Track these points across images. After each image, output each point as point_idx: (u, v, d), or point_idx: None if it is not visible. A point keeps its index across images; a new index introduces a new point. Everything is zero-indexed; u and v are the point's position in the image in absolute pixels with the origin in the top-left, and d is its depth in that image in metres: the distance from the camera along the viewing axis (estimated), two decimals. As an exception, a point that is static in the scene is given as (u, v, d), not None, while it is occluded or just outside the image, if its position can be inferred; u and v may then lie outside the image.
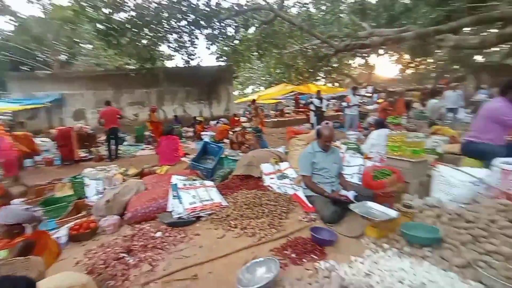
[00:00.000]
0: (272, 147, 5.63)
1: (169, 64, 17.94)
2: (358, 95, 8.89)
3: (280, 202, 3.03)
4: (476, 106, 8.27)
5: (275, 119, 14.99)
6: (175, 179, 3.35)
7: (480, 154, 2.75)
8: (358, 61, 24.60)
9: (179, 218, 2.77)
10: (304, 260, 2.02)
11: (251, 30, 12.00)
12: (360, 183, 3.20)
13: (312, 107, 8.34)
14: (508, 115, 2.62)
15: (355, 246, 2.21)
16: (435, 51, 14.70)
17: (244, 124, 10.08)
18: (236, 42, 11.46)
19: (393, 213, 2.19)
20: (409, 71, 23.94)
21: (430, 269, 1.73)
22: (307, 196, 3.00)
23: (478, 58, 16.31)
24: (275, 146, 6.18)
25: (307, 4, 13.84)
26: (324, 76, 21.51)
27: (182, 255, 2.23)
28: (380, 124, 4.12)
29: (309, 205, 2.94)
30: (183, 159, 5.00)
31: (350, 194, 2.64)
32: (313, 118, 8.59)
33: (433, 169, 2.84)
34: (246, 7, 10.40)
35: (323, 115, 8.42)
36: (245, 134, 6.66)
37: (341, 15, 14.03)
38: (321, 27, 12.81)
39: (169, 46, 11.34)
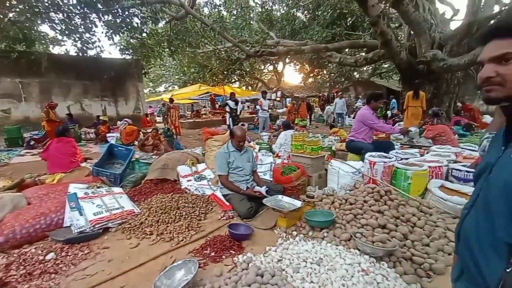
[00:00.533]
0: (189, 149, 5.48)
1: (57, 51, 14.62)
2: (268, 99, 9.72)
3: (198, 203, 3.02)
4: (355, 112, 10.46)
5: (191, 120, 14.57)
6: (73, 188, 2.85)
7: (357, 150, 3.55)
8: (269, 67, 26.83)
9: (81, 232, 2.37)
10: (223, 256, 2.09)
11: (161, 24, 11.24)
12: (271, 179, 3.54)
13: (227, 108, 8.56)
14: (370, 120, 3.47)
15: (269, 236, 2.44)
16: (328, 64, 17.70)
17: (157, 125, 9.36)
18: (144, 35, 10.48)
19: (298, 203, 2.54)
20: (310, 80, 27.81)
21: (326, 246, 2.09)
22: (224, 195, 3.09)
23: (355, 74, 20.65)
24: (192, 147, 6.04)
25: (219, 6, 14.11)
26: (238, 79, 22.41)
27: (86, 274, 1.93)
28: (287, 126, 4.67)
29: (227, 203, 3.04)
30: (83, 164, 4.21)
31: (263, 190, 2.89)
32: (228, 120, 8.85)
33: (328, 164, 3.46)
34: (153, -2, 9.64)
35: (238, 117, 8.78)
36: (157, 136, 6.19)
37: (252, 22, 15.01)
38: (234, 31, 13.29)
39: (53, 28, 9.20)
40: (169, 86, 30.16)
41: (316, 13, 14.13)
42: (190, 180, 3.70)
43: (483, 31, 0.82)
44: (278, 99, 18.53)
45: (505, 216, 0.79)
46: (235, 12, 15.19)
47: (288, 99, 17.94)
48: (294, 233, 2.43)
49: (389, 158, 2.94)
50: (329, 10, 12.17)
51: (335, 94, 14.40)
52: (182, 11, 9.56)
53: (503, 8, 7.66)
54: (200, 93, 16.24)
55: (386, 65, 16.33)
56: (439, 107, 7.41)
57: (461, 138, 5.97)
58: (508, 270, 0.71)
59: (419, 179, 2.62)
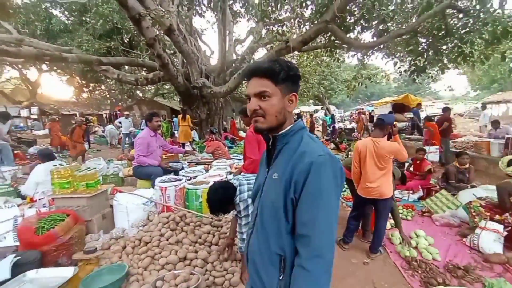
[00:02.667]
0: None
1: None
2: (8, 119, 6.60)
3: None
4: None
5: None
6: None
7: (147, 176, 3.21)
8: (12, 73, 19.08)
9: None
10: None
11: None
12: (16, 244, 2.24)
13: None
14: (146, 143, 3.26)
15: None
16: (106, 79, 15.70)
17: None
18: None
19: (67, 272, 1.74)
20: (85, 95, 23.21)
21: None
22: None
23: (138, 92, 20.21)
24: None
25: None
26: None
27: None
28: (47, 156, 3.25)
29: None
30: None
31: (2, 269, 1.71)
32: None
33: (114, 198, 2.79)
34: None
35: None
36: None
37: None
38: None
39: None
40: None
41: (83, 18, 12.04)
42: None
43: (245, 70, 0.91)
44: (34, 116, 13.54)
45: (274, 232, 0.88)
46: None
47: (53, 117, 13.63)
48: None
49: (180, 179, 2.92)
50: (99, 19, 10.80)
51: (119, 113, 13.06)
52: None
53: (239, 56, 10.86)
54: None
55: (167, 86, 17.42)
56: (213, 126, 9.01)
57: (230, 149, 7.59)
58: (280, 278, 0.85)
59: (208, 196, 2.82)
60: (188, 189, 2.77)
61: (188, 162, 4.73)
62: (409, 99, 12.16)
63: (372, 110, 15.76)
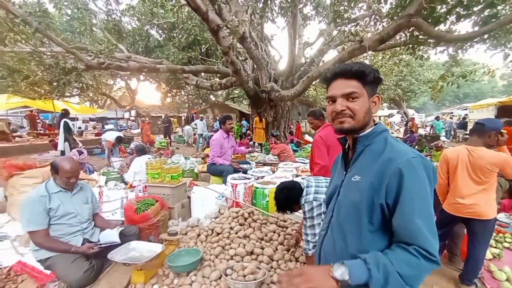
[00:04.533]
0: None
1: None
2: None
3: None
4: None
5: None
6: None
7: (219, 173, 3.53)
8: (120, 83, 23.67)
9: None
10: None
11: None
12: (123, 219, 2.80)
13: (61, 129, 6.46)
14: (217, 145, 3.53)
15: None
16: (185, 85, 17.89)
17: None
18: None
19: (157, 247, 2.07)
20: (168, 99, 26.99)
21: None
22: (40, 261, 2.07)
23: (211, 97, 22.23)
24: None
25: (41, -3, 10.99)
26: (78, 93, 18.13)
27: None
28: (141, 151, 3.98)
29: (47, 271, 2.06)
30: None
31: (113, 235, 2.19)
32: (62, 144, 6.68)
33: (191, 191, 3.18)
34: None
35: (75, 141, 6.84)
36: None
37: (95, 29, 12.74)
38: (68, 34, 10.70)
39: None
40: None
41: (172, 34, 14.05)
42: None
43: (328, 72, 0.93)
44: (132, 118, 16.48)
45: (353, 233, 0.86)
46: (69, 11, 12.33)
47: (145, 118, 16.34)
48: (156, 286, 1.95)
49: (249, 178, 3.11)
50: (184, 34, 12.41)
51: (195, 115, 14.64)
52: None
53: (307, 60, 10.74)
54: (11, 106, 11.59)
55: (237, 91, 18.64)
56: (278, 129, 9.18)
57: (295, 153, 7.57)
58: None
59: (274, 196, 2.91)
60: (256, 187, 2.92)
61: (256, 163, 4.97)
62: (523, 101, 9.70)
63: (466, 115, 13.21)
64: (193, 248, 2.19)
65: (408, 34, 7.19)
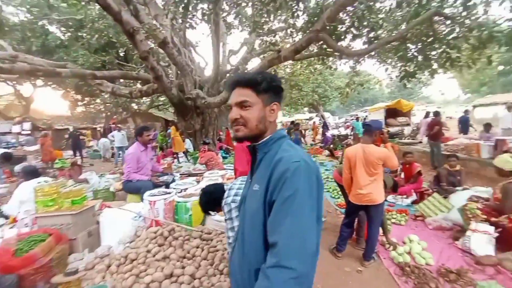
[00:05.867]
0: None
1: None
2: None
3: None
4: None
5: None
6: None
7: (136, 190, 3.16)
8: (5, 88, 19.05)
9: None
10: None
11: None
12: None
13: None
14: (136, 158, 3.22)
15: None
16: (101, 93, 15.73)
17: None
18: None
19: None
20: (80, 109, 23.16)
21: None
22: None
23: (133, 105, 20.22)
24: None
25: None
26: None
27: None
28: (30, 173, 3.15)
29: None
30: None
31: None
32: None
33: (101, 214, 2.74)
34: None
35: None
36: None
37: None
38: None
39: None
40: None
41: (79, 33, 12.15)
42: None
43: (229, 81, 0.94)
44: (25, 132, 13.44)
45: (253, 244, 0.85)
46: None
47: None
48: None
49: (169, 193, 2.88)
50: (95, 35, 10.92)
51: (113, 126, 13.03)
52: None
53: (233, 67, 10.99)
54: None
55: (162, 98, 17.47)
56: (207, 136, 9.01)
57: (224, 160, 7.55)
58: None
59: (198, 209, 2.76)
60: (178, 202, 2.73)
61: (180, 174, 4.69)
62: (402, 104, 12.30)
63: (366, 116, 15.89)
64: (98, 286, 1.86)
65: (318, 47, 8.21)
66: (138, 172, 3.20)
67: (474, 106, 13.77)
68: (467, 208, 3.20)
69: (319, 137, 15.41)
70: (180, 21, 10.19)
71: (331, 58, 9.39)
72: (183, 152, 8.64)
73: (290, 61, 12.83)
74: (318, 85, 18.12)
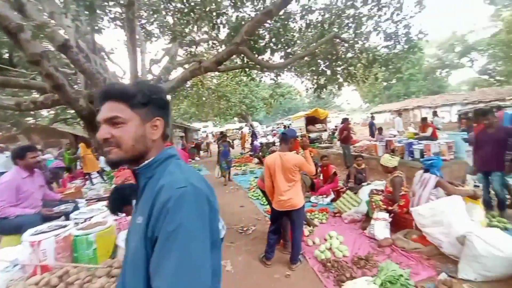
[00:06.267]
0: None
1: None
2: None
3: None
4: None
5: None
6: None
7: (16, 230, 2.45)
8: None
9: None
10: None
11: None
12: None
13: None
14: (15, 188, 2.52)
15: None
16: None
17: None
18: None
19: None
20: None
21: None
22: None
23: (29, 119, 16.53)
24: None
25: None
26: None
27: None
28: None
29: None
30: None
31: None
32: None
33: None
34: None
35: None
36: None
37: None
38: None
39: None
40: None
41: None
42: None
43: (97, 93, 0.77)
44: None
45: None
46: None
47: None
48: None
49: (64, 226, 2.32)
50: (-40, 31, 8.47)
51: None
52: None
53: (155, 77, 10.29)
54: None
55: (72, 111, 14.84)
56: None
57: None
58: None
59: (105, 239, 2.32)
60: (76, 236, 2.22)
61: (86, 200, 3.95)
62: (319, 112, 13.90)
63: (290, 124, 17.28)
64: None
65: (241, 60, 8.51)
66: (20, 205, 2.49)
67: (372, 113, 16.77)
68: (373, 200, 3.74)
69: (248, 145, 15.90)
70: (84, 23, 8.96)
71: (255, 71, 9.87)
72: (98, 172, 7.46)
73: (217, 73, 12.96)
74: (245, 96, 18.85)
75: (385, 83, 25.57)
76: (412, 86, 24.95)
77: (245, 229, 4.13)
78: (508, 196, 3.77)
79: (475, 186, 4.26)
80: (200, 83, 13.18)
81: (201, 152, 16.04)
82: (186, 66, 11.04)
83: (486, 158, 3.59)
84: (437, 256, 2.80)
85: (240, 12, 7.40)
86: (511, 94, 13.80)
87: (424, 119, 8.01)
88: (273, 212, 2.95)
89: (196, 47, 9.40)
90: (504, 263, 2.32)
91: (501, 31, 18.04)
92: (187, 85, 12.95)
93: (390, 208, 3.46)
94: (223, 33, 8.12)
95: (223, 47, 8.83)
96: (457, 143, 5.71)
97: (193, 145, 17.02)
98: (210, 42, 9.29)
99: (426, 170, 3.39)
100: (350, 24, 7.10)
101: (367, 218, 3.68)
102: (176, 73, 12.03)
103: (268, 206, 4.73)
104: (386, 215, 3.32)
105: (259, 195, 5.44)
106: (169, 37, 9.52)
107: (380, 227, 3.25)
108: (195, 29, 8.99)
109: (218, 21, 7.34)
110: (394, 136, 8.84)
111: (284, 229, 3.17)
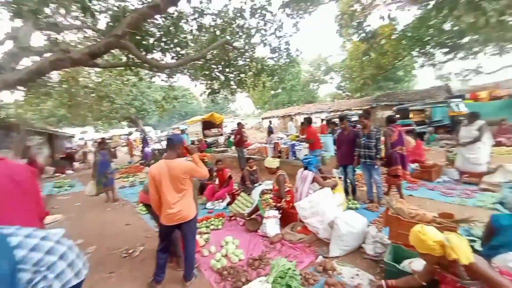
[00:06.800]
0: None
1: None
2: None
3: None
4: None
5: None
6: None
7: None
8: None
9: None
10: None
11: None
12: None
13: None
14: None
15: None
16: None
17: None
18: None
19: None
20: None
21: None
22: None
23: None
24: None
25: None
26: None
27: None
28: None
29: None
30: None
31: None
32: None
33: None
34: None
35: None
36: None
37: None
38: None
39: None
40: None
41: None
42: None
43: None
44: None
45: None
46: None
47: None
48: None
49: None
50: None
51: None
52: None
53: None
54: None
55: None
56: None
57: None
58: None
59: None
60: None
61: None
62: (215, 117, 14.02)
63: (186, 128, 16.64)
64: None
65: (126, 56, 7.38)
66: None
67: (262, 118, 18.49)
68: (264, 198, 3.96)
69: (137, 152, 14.18)
70: None
71: (145, 71, 8.85)
72: None
73: (98, 69, 10.84)
74: (135, 98, 16.76)
75: (272, 92, 28.93)
76: (294, 95, 29.44)
77: (130, 251, 3.51)
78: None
79: (339, 177, 5.32)
80: (71, 79, 10.64)
81: (76, 164, 12.98)
82: (48, 56, 8.63)
83: (343, 154, 4.55)
84: (316, 242, 3.23)
85: (123, 1, 6.43)
86: (355, 105, 18.57)
87: (303, 124, 9.46)
88: (161, 228, 2.59)
89: (59, 33, 7.47)
90: (356, 237, 2.95)
91: (347, 58, 24.03)
92: (51, 80, 10.18)
93: (279, 204, 3.76)
94: (102, 22, 6.86)
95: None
96: (326, 143, 7.07)
97: (64, 156, 13.61)
98: (87, 31, 7.64)
99: (305, 168, 3.91)
100: (240, 33, 7.46)
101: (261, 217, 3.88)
102: (27, 62, 9.23)
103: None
104: (275, 212, 3.59)
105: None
106: (11, 11, 7.13)
107: (271, 224, 3.48)
108: (61, 10, 7.14)
109: (91, 4, 6.09)
110: (281, 138, 10.01)
111: (175, 243, 2.86)
